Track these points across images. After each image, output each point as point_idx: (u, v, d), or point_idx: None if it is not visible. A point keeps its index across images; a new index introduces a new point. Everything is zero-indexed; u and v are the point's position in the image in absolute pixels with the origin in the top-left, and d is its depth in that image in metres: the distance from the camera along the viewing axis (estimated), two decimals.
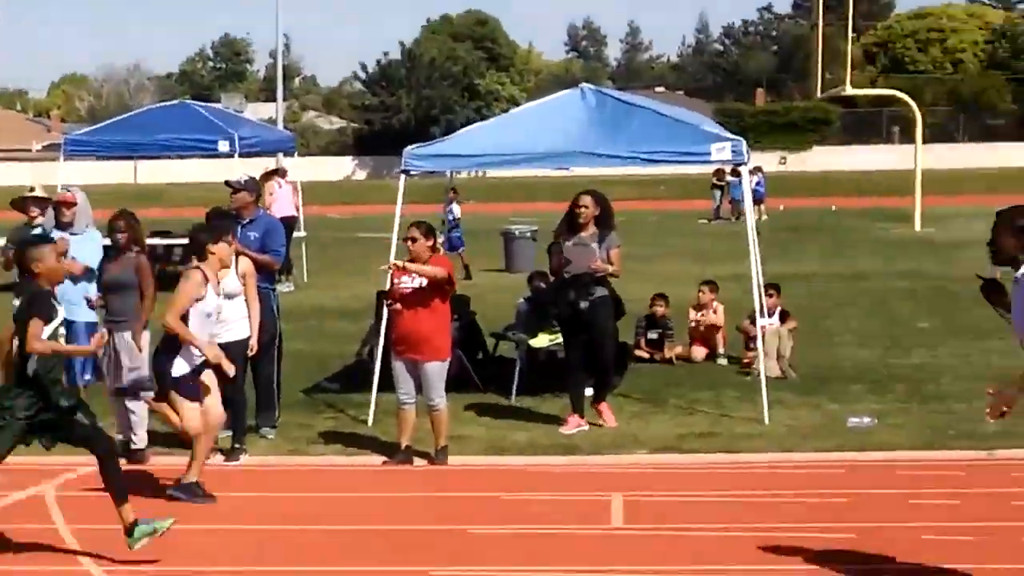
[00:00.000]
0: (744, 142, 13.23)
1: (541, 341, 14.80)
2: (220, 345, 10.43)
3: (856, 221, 43.44)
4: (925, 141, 46.28)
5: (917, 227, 39.06)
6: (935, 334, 18.27)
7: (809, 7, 67.67)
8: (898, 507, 9.58)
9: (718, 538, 8.95)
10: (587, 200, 12.64)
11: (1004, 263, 7.34)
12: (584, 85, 14.64)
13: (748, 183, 15.71)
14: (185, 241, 12.80)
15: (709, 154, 13.14)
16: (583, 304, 12.46)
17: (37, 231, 12.71)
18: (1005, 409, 7.10)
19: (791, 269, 26.78)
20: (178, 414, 9.92)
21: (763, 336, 14.82)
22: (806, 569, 8.19)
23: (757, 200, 47.19)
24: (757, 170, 48.79)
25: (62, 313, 8.57)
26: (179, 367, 9.91)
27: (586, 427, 12.50)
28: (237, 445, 11.59)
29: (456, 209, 27.89)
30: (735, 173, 45.44)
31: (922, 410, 13.14)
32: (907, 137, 66.96)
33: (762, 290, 14.91)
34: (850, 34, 44.57)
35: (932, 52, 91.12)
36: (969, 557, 8.27)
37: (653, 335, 16.74)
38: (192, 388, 9.91)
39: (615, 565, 8.33)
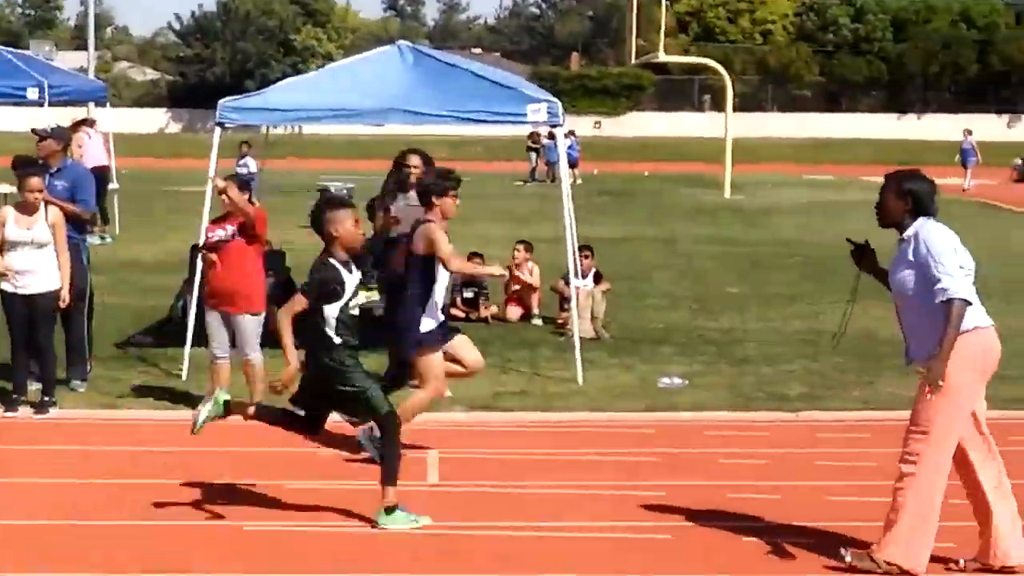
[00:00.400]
0: (559, 104, 13.32)
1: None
2: (30, 296, 10.18)
3: (669, 186, 44.15)
4: (735, 110, 47.14)
5: (727, 194, 39.85)
6: (743, 298, 18.67)
7: None
8: (708, 466, 9.79)
9: (532, 495, 9.05)
10: (415, 159, 12.42)
11: (889, 226, 7.53)
12: (401, 42, 14.57)
13: (563, 145, 15.83)
14: None
15: (525, 115, 13.20)
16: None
17: None
18: (942, 383, 7.18)
19: (605, 232, 27.10)
20: None
21: (577, 297, 14.99)
22: (620, 525, 8.32)
23: (571, 164, 47.54)
24: (571, 134, 49.18)
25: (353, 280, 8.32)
26: None
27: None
28: (47, 398, 11.35)
29: (251, 163, 27.50)
30: (551, 136, 45.91)
31: (731, 372, 13.43)
32: (718, 105, 68.23)
33: (576, 252, 15.07)
34: (663, 2, 45.10)
35: (742, 22, 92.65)
36: (774, 514, 8.49)
37: (469, 294, 16.83)
38: None
39: (435, 520, 8.36)
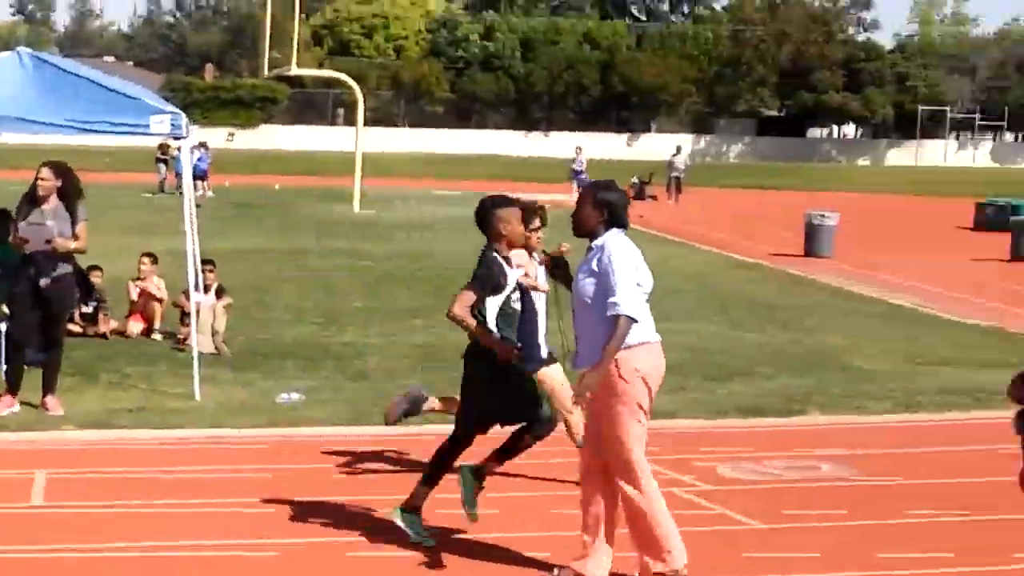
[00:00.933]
0: (184, 116, 13.16)
1: None
2: None
3: (300, 200, 44.07)
4: (368, 124, 47.51)
5: (356, 208, 40.07)
6: (368, 313, 18.83)
7: None
8: (319, 482, 9.84)
9: (140, 515, 8.91)
10: (45, 172, 11.97)
11: (584, 235, 7.67)
12: (21, 49, 14.07)
13: (188, 158, 15.63)
14: None
15: (148, 126, 12.98)
16: (43, 282, 11.90)
17: None
18: (590, 396, 7.43)
19: (234, 245, 26.91)
20: None
21: (198, 312, 14.83)
22: (229, 543, 8.28)
23: (201, 176, 46.96)
24: (202, 145, 48.56)
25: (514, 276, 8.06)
26: None
27: (17, 408, 12.00)
28: None
29: None
30: (204, 146, 45.26)
31: (350, 387, 13.52)
32: (352, 119, 68.55)
33: (198, 266, 14.90)
34: (297, 15, 45.07)
35: (377, 37, 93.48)
36: (384, 529, 8.62)
37: (87, 308, 16.40)
38: None
39: (35, 544, 8.13)
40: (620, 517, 7.71)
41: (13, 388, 12.08)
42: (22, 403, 12.04)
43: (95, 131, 13.22)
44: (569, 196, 45.04)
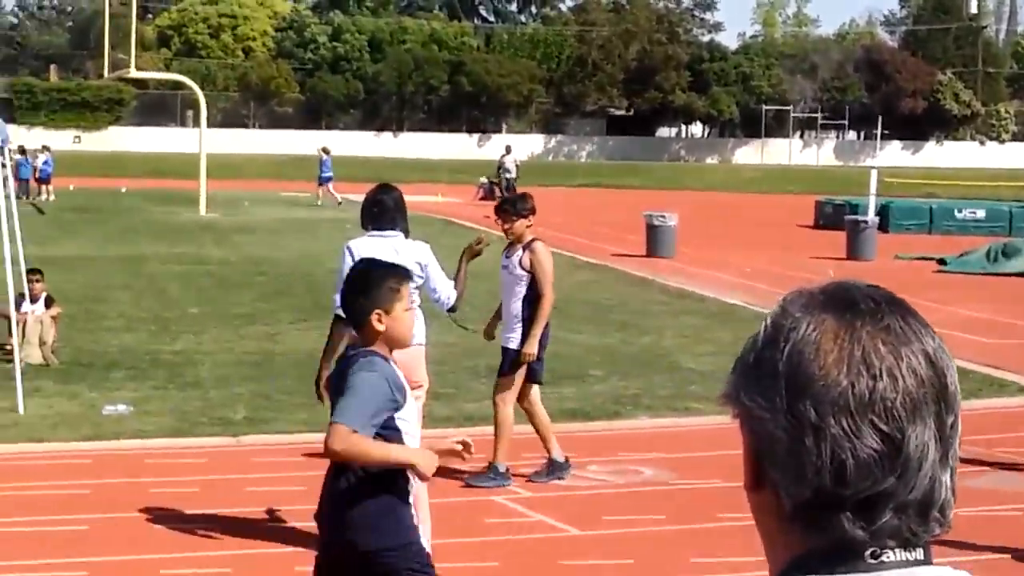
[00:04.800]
0: (1, 122, 12.91)
1: None
2: None
3: (145, 204, 43.47)
4: (217, 126, 47.10)
5: (202, 211, 39.65)
6: (204, 319, 18.64)
7: None
8: (137, 496, 9.73)
9: None
10: None
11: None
12: None
13: (6, 163, 15.33)
14: None
15: None
16: None
17: None
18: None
19: (71, 251, 26.52)
20: None
21: (24, 323, 14.56)
22: (35, 564, 8.17)
23: (44, 180, 46.21)
24: (45, 149, 47.74)
25: None
26: None
27: None
28: None
29: None
30: (22, 151, 44.37)
31: (178, 397, 13.38)
32: (199, 121, 67.76)
33: (24, 274, 14.65)
34: (135, 16, 44.52)
35: (224, 38, 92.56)
36: (200, 544, 8.57)
37: None
38: None
39: None
40: None
41: None
42: None
43: None
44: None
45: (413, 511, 5.46)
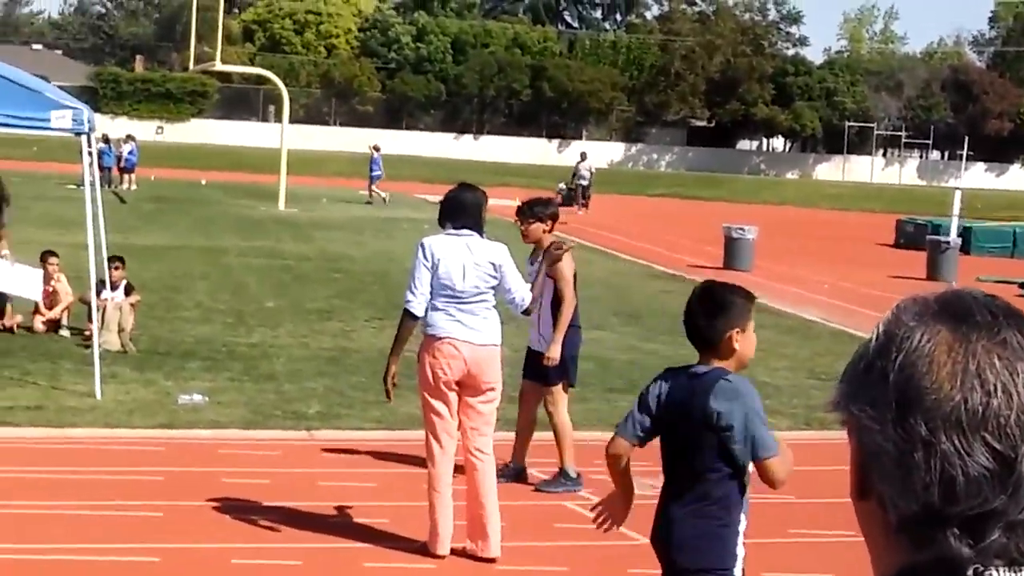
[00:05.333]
0: (87, 110, 13.00)
1: None
2: None
3: (225, 196, 43.79)
4: (298, 122, 47.39)
5: (281, 206, 39.88)
6: (280, 313, 18.71)
7: None
8: (210, 485, 9.77)
9: (24, 516, 8.82)
10: None
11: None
12: None
13: (89, 150, 15.43)
14: None
15: (49, 120, 12.82)
16: None
17: None
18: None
19: (151, 241, 26.75)
20: None
21: (104, 309, 14.70)
22: (108, 547, 8.23)
23: (128, 169, 46.69)
24: (130, 139, 48.24)
25: None
26: None
27: None
28: None
29: None
30: (106, 140, 44.81)
31: (253, 389, 13.42)
32: (281, 116, 68.26)
33: (105, 262, 14.79)
34: (221, 10, 44.86)
35: (308, 35, 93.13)
36: (268, 536, 8.59)
37: None
38: None
39: None
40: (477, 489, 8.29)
41: None
42: None
43: None
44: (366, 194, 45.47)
45: (740, 539, 5.59)
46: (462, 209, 8.28)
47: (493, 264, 8.24)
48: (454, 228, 8.23)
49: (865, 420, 1.46)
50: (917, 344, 1.45)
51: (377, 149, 47.57)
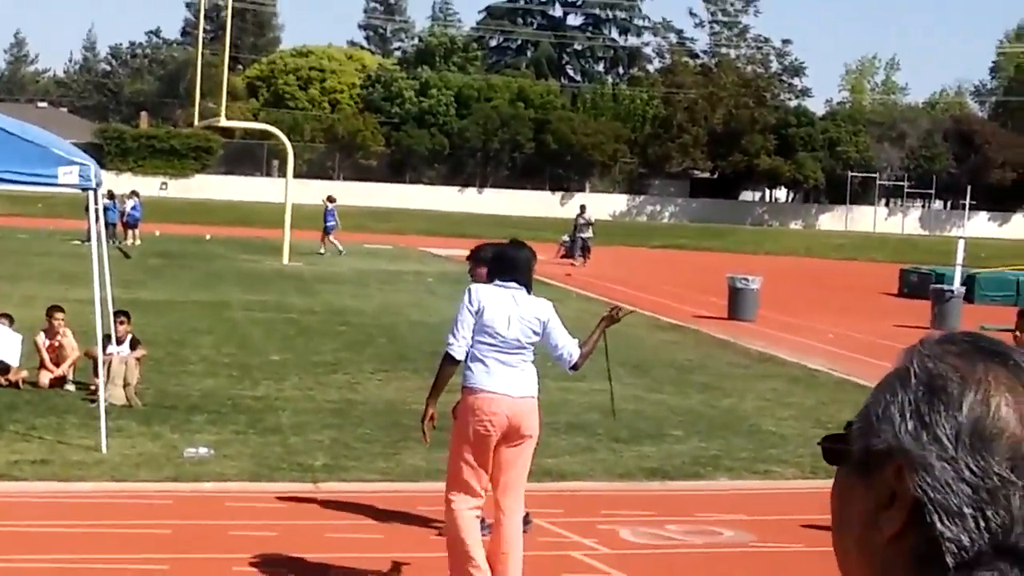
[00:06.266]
0: (94, 166, 13.05)
1: None
2: None
3: (229, 251, 43.89)
4: (302, 176, 47.47)
5: (285, 260, 39.96)
6: (285, 366, 18.72)
7: (196, 35, 67.91)
8: (216, 538, 9.77)
9: (35, 570, 8.81)
10: None
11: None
12: None
13: (96, 206, 15.49)
14: None
15: (56, 177, 12.86)
16: None
17: None
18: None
19: (156, 295, 26.80)
20: None
21: (109, 363, 14.72)
22: None
23: (132, 224, 46.81)
24: (134, 194, 48.40)
25: None
26: None
27: None
28: None
29: None
30: (110, 196, 44.95)
31: (259, 441, 13.43)
32: (285, 171, 68.48)
33: (112, 316, 14.82)
34: (226, 66, 45.11)
35: (312, 90, 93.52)
36: None
37: None
38: None
39: None
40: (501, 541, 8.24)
41: None
42: None
43: (1, 180, 13.02)
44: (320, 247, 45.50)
45: None
46: (512, 264, 8.40)
47: (539, 320, 8.37)
48: (502, 281, 8.31)
49: (932, 459, 1.46)
50: (982, 384, 1.46)
51: (332, 200, 47.86)
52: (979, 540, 1.42)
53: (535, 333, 8.31)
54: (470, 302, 8.17)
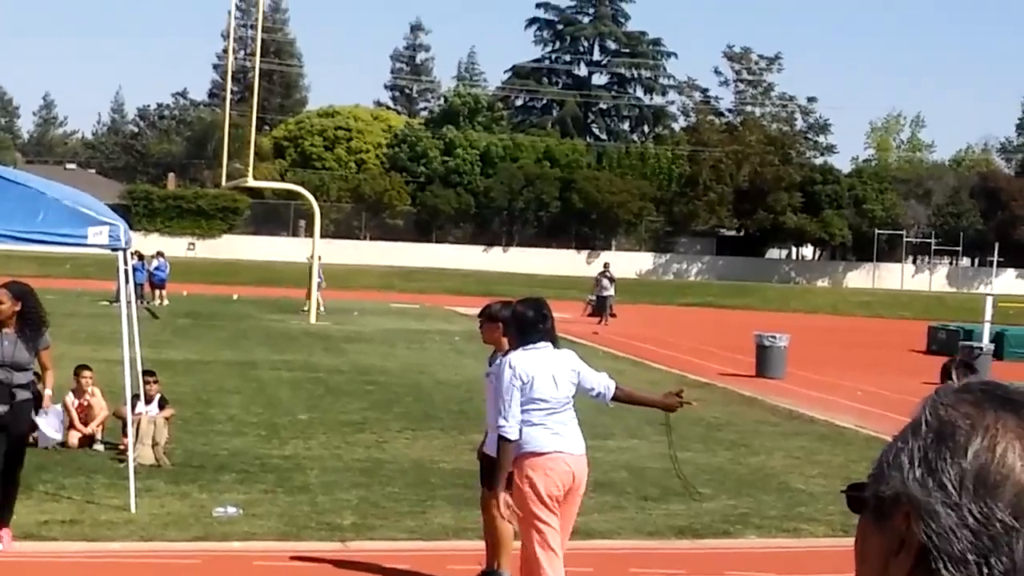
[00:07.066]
0: (123, 226, 13.12)
1: None
2: None
3: (256, 310, 44.06)
4: (329, 236, 47.71)
5: (313, 320, 40.05)
6: (312, 425, 18.74)
7: (224, 96, 68.57)
8: None
9: None
10: (3, 295, 11.42)
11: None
12: None
13: (125, 266, 15.58)
14: None
15: (86, 237, 12.92)
16: (1, 409, 11.11)
17: None
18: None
19: (183, 355, 26.88)
20: None
21: (138, 424, 14.77)
22: None
23: (159, 284, 47.03)
24: (159, 255, 48.69)
25: None
26: None
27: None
28: None
29: None
30: (139, 257, 45.20)
31: (287, 501, 13.42)
32: (312, 231, 68.81)
33: (140, 376, 14.88)
34: (253, 127, 45.43)
35: (338, 150, 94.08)
36: None
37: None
38: None
39: None
40: None
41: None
42: None
43: (31, 241, 13.01)
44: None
45: None
46: (540, 325, 8.43)
47: (574, 371, 8.46)
48: (533, 343, 8.35)
49: (937, 505, 1.46)
50: (989, 431, 1.47)
51: (319, 259, 48.05)
52: None
53: (574, 385, 8.38)
54: (516, 377, 8.15)
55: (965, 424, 1.48)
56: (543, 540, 8.12)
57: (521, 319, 8.44)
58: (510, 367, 8.17)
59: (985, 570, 1.42)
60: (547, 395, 8.13)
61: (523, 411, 8.14)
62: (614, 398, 8.66)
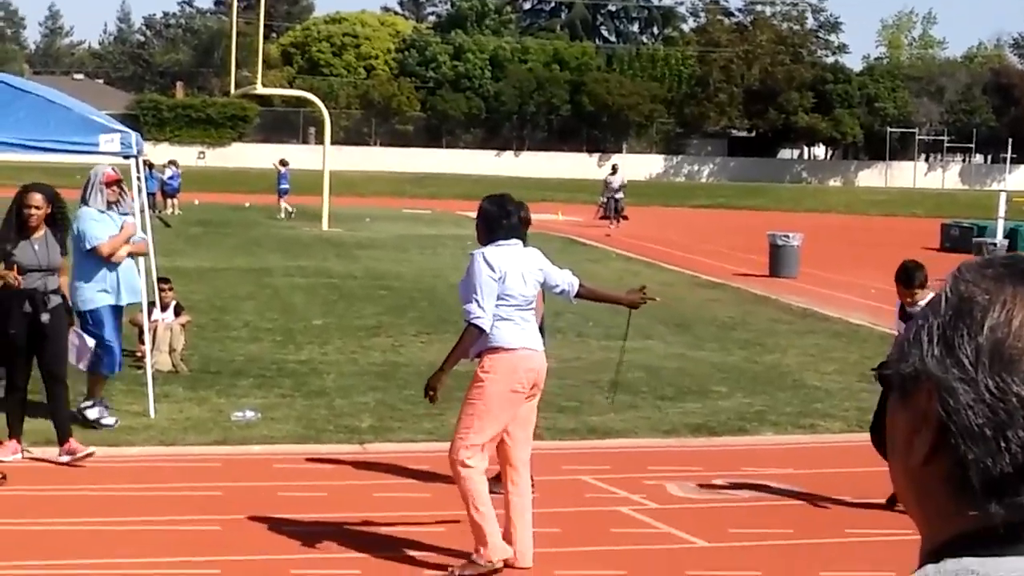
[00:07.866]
0: (134, 135, 13.10)
1: None
2: None
3: (268, 219, 44.05)
4: (338, 143, 47.57)
5: (325, 226, 40.06)
6: (328, 330, 18.79)
7: (230, 4, 68.15)
8: (266, 499, 9.84)
9: (88, 532, 8.90)
10: (38, 199, 11.32)
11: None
12: None
13: (138, 175, 15.57)
14: None
15: (98, 144, 12.90)
16: (44, 317, 11.08)
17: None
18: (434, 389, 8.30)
19: (197, 263, 26.94)
20: None
21: (155, 330, 14.81)
22: (167, 561, 8.30)
23: (171, 194, 47.01)
24: (172, 164, 48.60)
25: None
26: None
27: (20, 455, 11.18)
28: None
29: None
30: (149, 165, 45.15)
31: (304, 405, 13.50)
32: (322, 138, 68.58)
33: (154, 283, 14.92)
34: (261, 34, 45.18)
35: (346, 57, 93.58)
36: (327, 546, 8.64)
37: None
38: None
39: None
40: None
41: (17, 432, 11.30)
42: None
43: (43, 149, 13.03)
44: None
45: None
46: (512, 222, 8.40)
47: (540, 270, 8.45)
48: (504, 240, 8.30)
49: (954, 381, 1.45)
50: (1006, 305, 1.46)
51: (284, 164, 48.01)
52: (1002, 462, 1.42)
53: (538, 283, 8.39)
54: (492, 270, 8.13)
55: (983, 299, 1.46)
56: (481, 434, 8.07)
57: (486, 215, 8.43)
58: (486, 261, 8.16)
59: (1003, 444, 1.41)
60: (516, 291, 8.17)
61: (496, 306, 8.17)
62: (577, 295, 8.67)
